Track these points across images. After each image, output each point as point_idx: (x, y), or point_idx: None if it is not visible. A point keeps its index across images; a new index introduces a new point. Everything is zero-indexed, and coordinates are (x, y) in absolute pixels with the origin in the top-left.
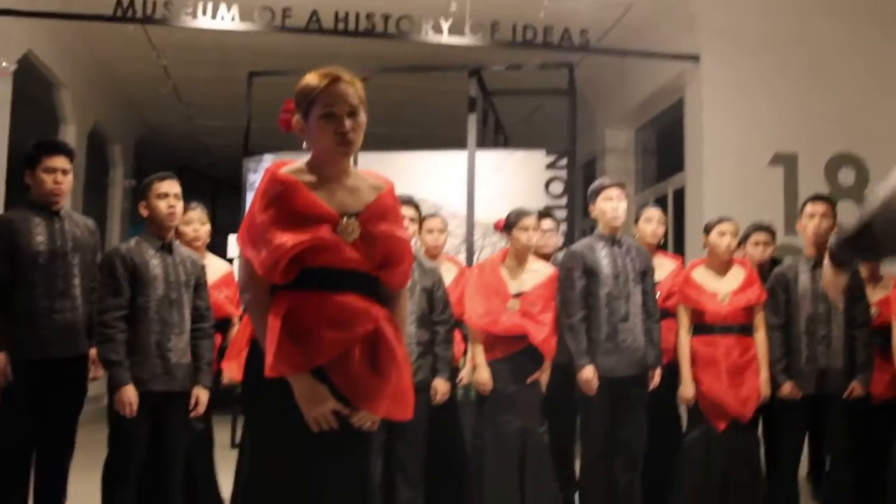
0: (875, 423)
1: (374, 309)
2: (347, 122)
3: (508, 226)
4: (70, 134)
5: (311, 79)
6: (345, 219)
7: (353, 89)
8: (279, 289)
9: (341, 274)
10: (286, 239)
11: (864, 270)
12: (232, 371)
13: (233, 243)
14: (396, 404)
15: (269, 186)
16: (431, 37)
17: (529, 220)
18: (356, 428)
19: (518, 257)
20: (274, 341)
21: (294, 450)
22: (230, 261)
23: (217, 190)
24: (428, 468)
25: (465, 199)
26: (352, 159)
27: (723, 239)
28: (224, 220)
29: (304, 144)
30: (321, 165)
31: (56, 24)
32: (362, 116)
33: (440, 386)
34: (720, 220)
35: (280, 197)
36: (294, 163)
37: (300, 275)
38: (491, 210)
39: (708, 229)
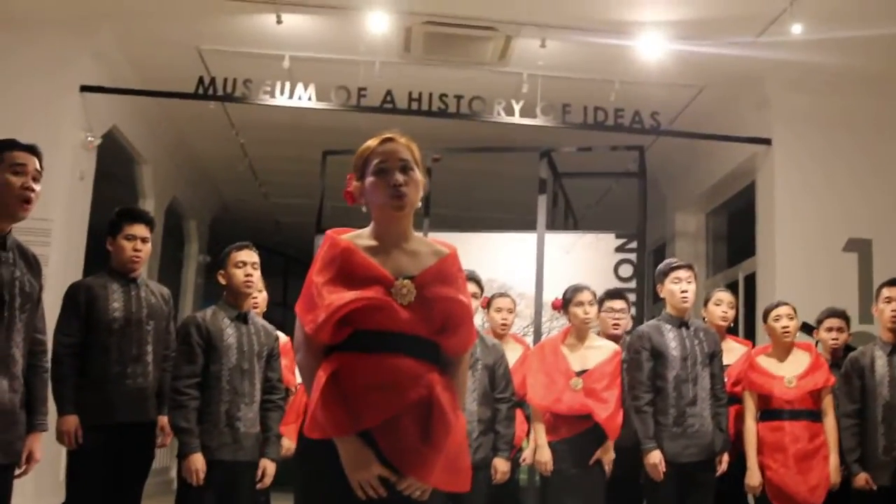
0: None
1: (430, 374)
2: (400, 177)
3: (565, 303)
4: (149, 209)
5: (366, 143)
6: (400, 280)
7: (407, 148)
8: (333, 350)
9: (395, 337)
10: (336, 298)
11: None
12: (289, 435)
13: None
14: (450, 474)
15: (327, 250)
16: (503, 118)
17: (585, 296)
18: (406, 497)
19: (578, 335)
20: (318, 400)
21: None
22: None
23: (288, 267)
24: None
25: (533, 280)
26: (411, 224)
27: (778, 323)
28: (294, 298)
29: (364, 209)
30: (380, 228)
31: (139, 101)
32: (417, 174)
33: (500, 465)
34: (775, 305)
35: (335, 260)
36: (355, 231)
37: (354, 337)
38: (559, 292)
39: (765, 315)
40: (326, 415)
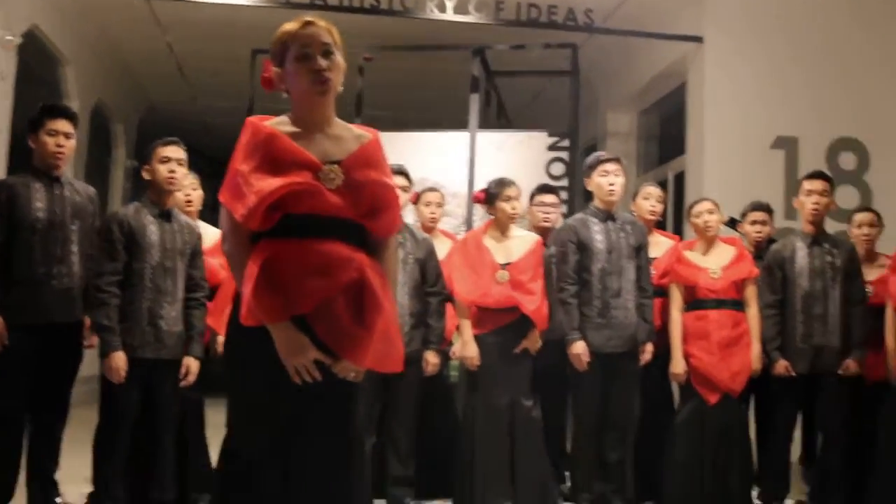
0: (867, 403)
1: (360, 257)
2: (322, 61)
3: (490, 197)
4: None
5: (284, 27)
6: (327, 165)
7: (327, 32)
8: (260, 238)
9: (325, 221)
10: (265, 184)
11: (860, 249)
12: (216, 325)
13: None
14: (383, 356)
15: (250, 138)
16: (436, 14)
17: (513, 190)
18: (340, 378)
19: (501, 227)
20: (251, 288)
21: (275, 399)
22: None
23: (218, 170)
24: (419, 442)
25: (466, 179)
26: (334, 108)
27: (700, 218)
28: None
29: (284, 95)
30: (302, 114)
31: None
32: (339, 58)
33: (431, 358)
34: (697, 202)
35: (260, 147)
36: (276, 118)
37: (282, 223)
38: None
39: (689, 212)
40: (260, 302)
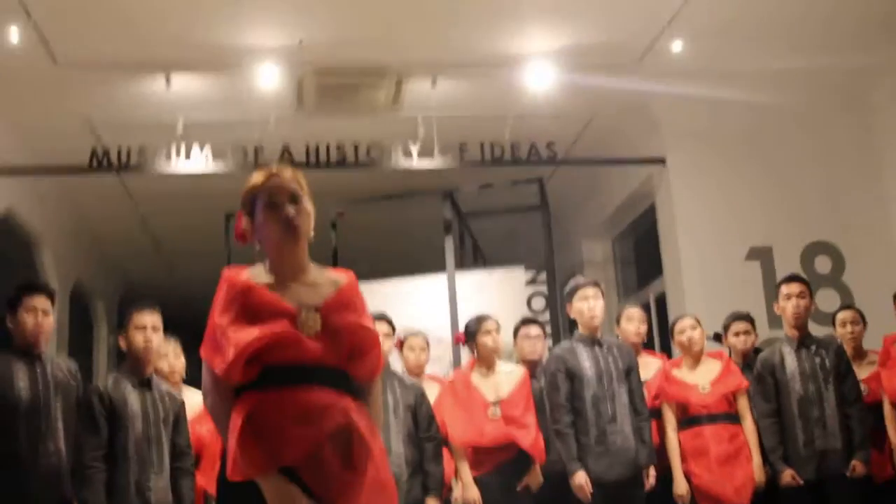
0: (880, 502)
1: (344, 402)
2: (290, 209)
3: (470, 335)
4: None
5: (252, 178)
6: (304, 312)
7: (294, 180)
8: (243, 390)
9: (305, 369)
10: (242, 336)
11: (848, 348)
12: (208, 484)
13: None
14: (376, 496)
15: (226, 290)
16: (402, 162)
17: (491, 324)
18: None
19: (486, 363)
20: (235, 442)
21: None
22: None
23: (201, 342)
24: None
25: (448, 322)
26: (307, 255)
27: (683, 335)
28: None
29: (257, 246)
30: (276, 263)
31: (33, 181)
32: (307, 204)
33: None
34: (678, 319)
35: (236, 299)
36: (250, 268)
37: (263, 374)
38: None
39: (671, 331)
40: (246, 456)
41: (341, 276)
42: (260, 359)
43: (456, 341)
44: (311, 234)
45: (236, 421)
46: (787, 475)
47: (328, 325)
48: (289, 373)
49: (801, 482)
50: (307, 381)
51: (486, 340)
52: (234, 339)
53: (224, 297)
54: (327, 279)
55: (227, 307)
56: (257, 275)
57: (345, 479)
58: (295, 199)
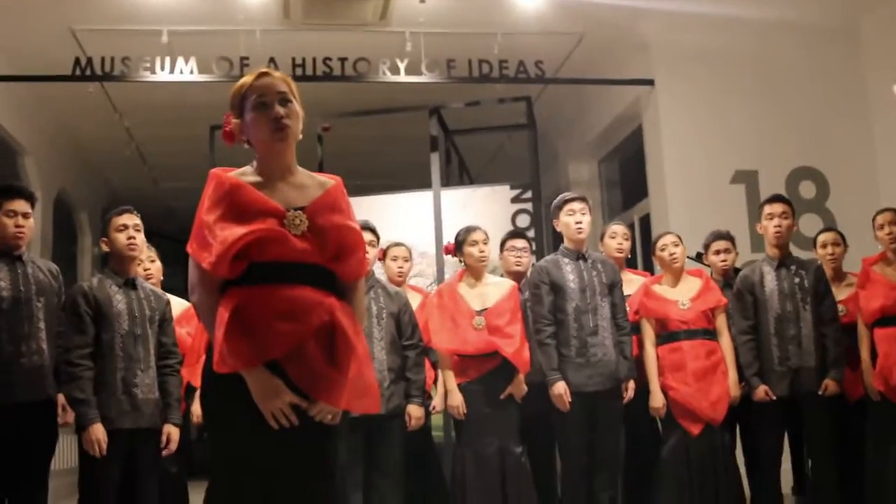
0: (851, 420)
1: (329, 300)
2: (280, 109)
3: (458, 245)
4: (37, 203)
5: (241, 80)
6: (291, 211)
7: (283, 81)
8: (229, 286)
9: (292, 267)
10: (230, 233)
11: (828, 269)
12: (193, 376)
13: None
14: (359, 396)
15: (214, 188)
16: (389, 77)
17: (478, 234)
18: (317, 422)
19: (475, 274)
20: (222, 335)
21: (253, 446)
22: None
23: (186, 254)
24: (407, 495)
25: (433, 237)
26: (295, 157)
27: (665, 251)
28: None
29: (246, 146)
30: (264, 163)
31: (16, 89)
32: (296, 106)
33: (414, 411)
34: (661, 235)
35: (224, 197)
36: (238, 169)
37: (250, 270)
38: None
39: (653, 247)
40: (233, 349)
41: (328, 179)
42: (247, 255)
43: (445, 251)
44: (300, 136)
45: (223, 314)
46: (761, 391)
47: (314, 224)
48: (275, 270)
49: (774, 398)
50: (293, 278)
51: (472, 251)
52: (221, 235)
53: (212, 194)
54: (315, 181)
55: (214, 204)
56: (245, 174)
57: (328, 374)
58: (284, 99)
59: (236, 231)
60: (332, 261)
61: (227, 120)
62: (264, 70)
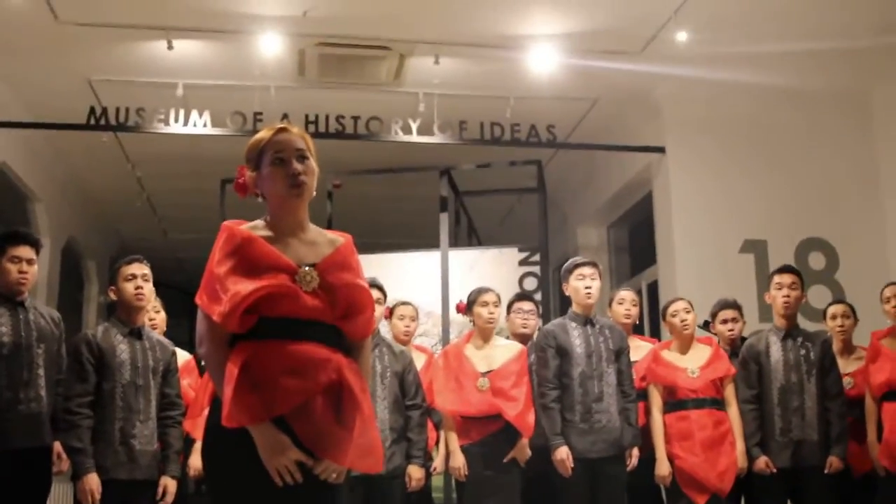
0: (855, 495)
1: (337, 358)
2: (297, 165)
3: (469, 304)
4: (44, 248)
5: (259, 135)
6: (303, 268)
7: (301, 138)
8: (238, 339)
9: (301, 323)
10: (241, 287)
11: (837, 342)
12: (194, 429)
13: None
14: (364, 455)
15: (225, 241)
16: (401, 137)
17: (490, 296)
18: (322, 480)
19: (483, 335)
20: (231, 390)
21: (257, 501)
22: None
23: (193, 305)
24: None
25: (439, 297)
26: (307, 214)
27: (676, 317)
28: None
29: (259, 199)
30: (277, 218)
31: (30, 136)
32: (313, 163)
33: (414, 472)
34: (672, 301)
35: (236, 250)
36: (250, 222)
37: (259, 325)
38: None
39: (664, 312)
40: (241, 403)
41: (339, 237)
42: (257, 310)
43: (457, 310)
44: (314, 193)
45: (232, 370)
46: (761, 462)
47: (325, 282)
48: (285, 325)
49: (775, 470)
50: (302, 335)
51: (481, 311)
52: (232, 289)
53: (223, 246)
54: (326, 238)
55: (226, 257)
56: (257, 228)
57: (335, 433)
58: (302, 156)
59: (248, 286)
60: (340, 319)
61: (240, 172)
62: (283, 125)
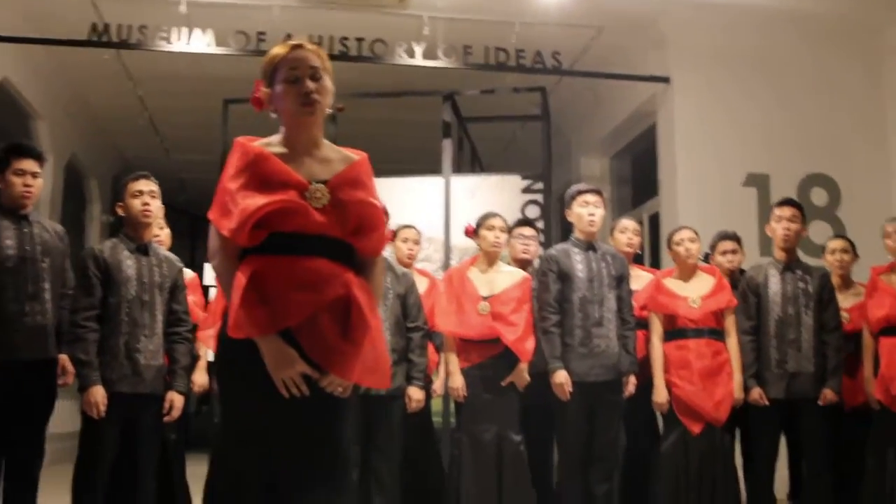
0: (848, 429)
1: (346, 274)
2: (310, 84)
3: (476, 227)
4: (46, 166)
5: (274, 50)
6: (313, 184)
7: (316, 55)
8: (248, 253)
9: (311, 239)
10: (251, 202)
11: (835, 277)
12: (207, 341)
13: (209, 272)
14: (370, 371)
15: (238, 157)
16: (405, 60)
17: (497, 221)
18: (328, 394)
19: (488, 259)
20: (239, 301)
21: (264, 414)
22: (207, 288)
23: (195, 226)
24: (404, 477)
25: (441, 223)
26: (322, 131)
27: (681, 246)
28: (202, 255)
29: (273, 115)
30: (290, 135)
31: (32, 52)
32: (327, 81)
33: (414, 393)
34: (678, 229)
35: (248, 166)
36: (264, 139)
37: (270, 240)
38: None
39: (669, 240)
40: (247, 315)
41: (354, 154)
42: (267, 225)
43: (466, 233)
44: (328, 110)
45: (240, 279)
46: (755, 393)
47: (336, 198)
48: (294, 241)
49: (767, 402)
50: (311, 250)
51: (487, 234)
52: (242, 203)
53: (236, 162)
54: (340, 155)
55: (238, 173)
56: (270, 144)
57: (341, 348)
58: (315, 75)
59: (257, 200)
60: (351, 235)
61: (256, 87)
62: (298, 42)
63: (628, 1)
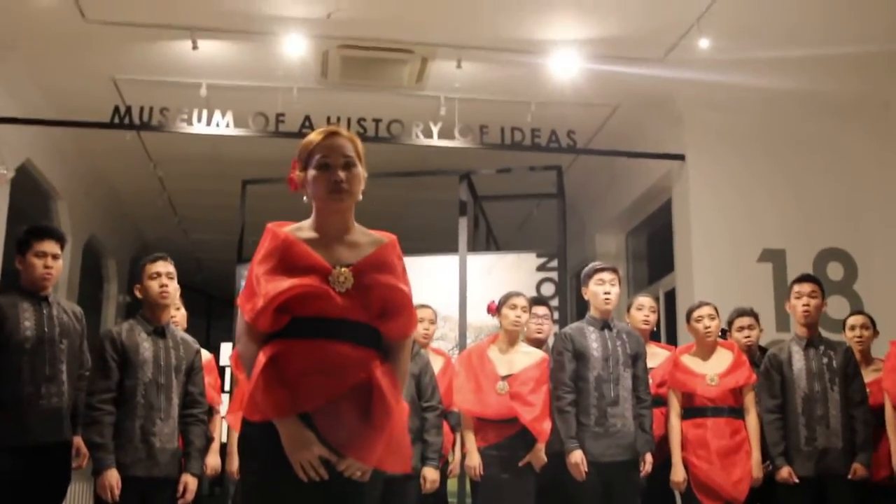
0: (875, 502)
1: (369, 359)
2: (341, 174)
3: (499, 306)
4: (66, 247)
5: (311, 136)
6: (337, 268)
7: (351, 143)
8: (271, 338)
9: (333, 323)
10: (273, 287)
11: (856, 352)
12: (234, 423)
13: (225, 352)
14: (391, 455)
15: (268, 242)
16: (422, 140)
17: (519, 300)
18: (346, 478)
19: (509, 338)
20: (257, 383)
21: (283, 496)
22: (224, 369)
23: (211, 306)
24: None
25: (457, 302)
26: (353, 216)
27: (700, 323)
28: (217, 336)
29: (305, 199)
30: (320, 219)
31: (54, 134)
32: (359, 169)
33: (429, 474)
34: (698, 305)
35: (276, 251)
36: (295, 223)
37: (292, 324)
38: (483, 313)
39: (688, 316)
40: (266, 397)
41: (383, 237)
42: (290, 310)
43: (488, 310)
44: (360, 197)
45: (260, 362)
46: (785, 472)
47: (360, 282)
48: (316, 325)
49: (797, 480)
50: (333, 334)
51: (508, 313)
52: (265, 288)
53: (266, 247)
54: (370, 239)
55: (266, 258)
56: (300, 230)
57: (361, 432)
58: (348, 163)
59: (279, 285)
60: (377, 319)
61: (293, 166)
62: (334, 129)
63: (643, 80)
